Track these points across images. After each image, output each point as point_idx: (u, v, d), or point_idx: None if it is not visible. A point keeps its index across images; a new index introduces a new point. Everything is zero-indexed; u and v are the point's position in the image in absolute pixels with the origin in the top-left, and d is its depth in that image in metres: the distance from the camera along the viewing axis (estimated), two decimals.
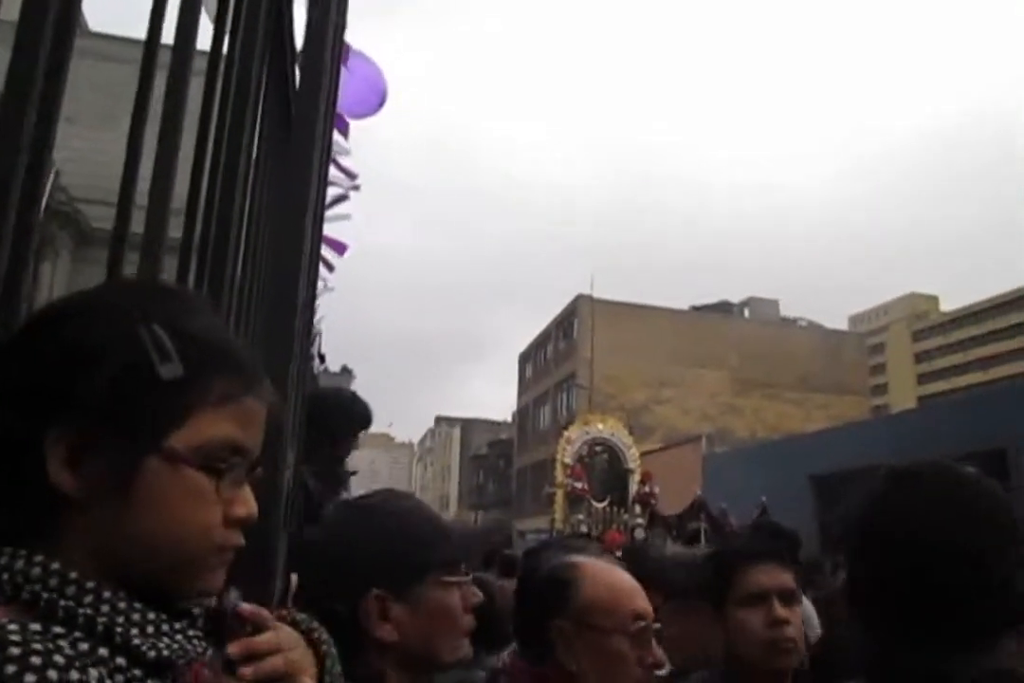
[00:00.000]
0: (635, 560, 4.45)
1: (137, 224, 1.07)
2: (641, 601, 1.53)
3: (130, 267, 1.04)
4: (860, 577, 1.13)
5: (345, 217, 6.34)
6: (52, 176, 15.22)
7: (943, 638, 1.01)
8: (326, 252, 6.46)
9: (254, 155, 1.50)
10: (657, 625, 1.53)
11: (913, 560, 1.04)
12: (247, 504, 0.73)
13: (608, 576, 1.55)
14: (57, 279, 18.12)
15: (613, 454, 18.91)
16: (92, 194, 16.65)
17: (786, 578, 1.86)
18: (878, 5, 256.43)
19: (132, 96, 1.07)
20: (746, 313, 47.32)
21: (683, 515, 12.32)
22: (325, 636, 0.90)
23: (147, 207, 0.99)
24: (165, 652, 0.66)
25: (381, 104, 4.06)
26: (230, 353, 0.74)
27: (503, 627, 2.11)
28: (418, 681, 1.31)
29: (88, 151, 15.94)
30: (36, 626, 0.61)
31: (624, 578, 1.58)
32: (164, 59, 1.19)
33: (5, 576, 0.64)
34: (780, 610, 1.79)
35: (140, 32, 1.17)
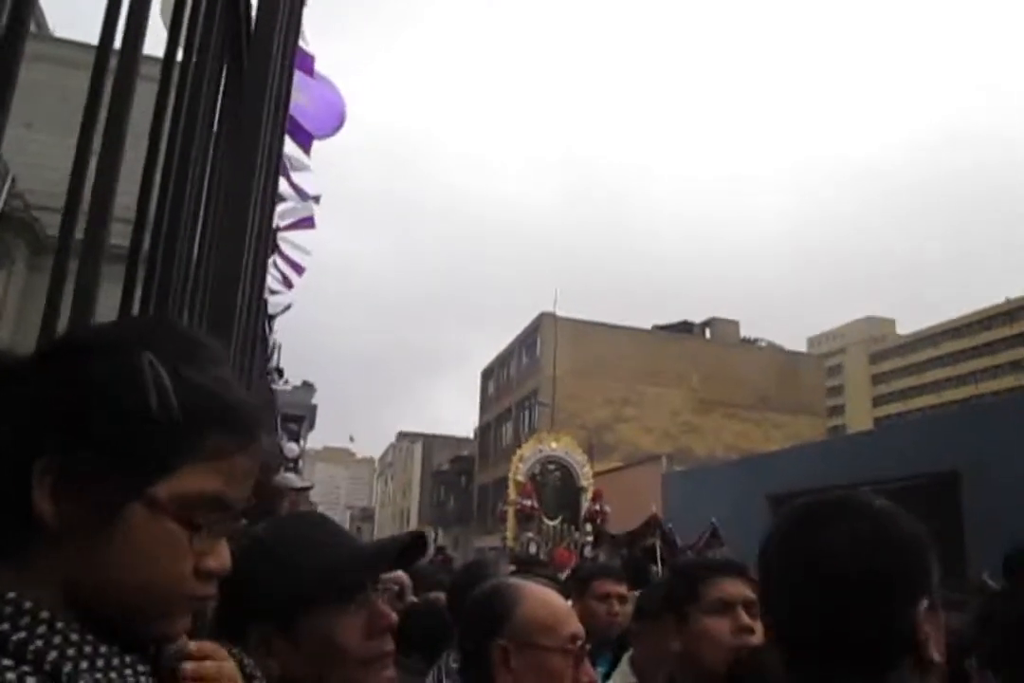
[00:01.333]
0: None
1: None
2: (576, 622, 1.58)
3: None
4: (768, 609, 1.12)
5: (306, 252, 6.38)
6: (8, 182, 14.91)
7: (840, 668, 1.00)
8: (286, 270, 6.47)
9: (209, 160, 1.49)
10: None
11: (813, 591, 1.03)
12: (220, 557, 0.73)
13: (546, 597, 1.60)
14: (12, 287, 17.76)
15: (566, 472, 18.94)
16: (50, 201, 16.37)
17: (749, 591, 1.92)
18: (850, 28, 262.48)
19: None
20: (707, 333, 47.75)
21: (636, 532, 12.38)
22: None
23: (89, 209, 0.97)
24: None
25: (340, 126, 4.20)
26: (232, 408, 0.73)
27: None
28: None
29: (47, 157, 15.68)
30: None
31: (560, 599, 1.64)
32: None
33: None
34: (746, 618, 1.85)
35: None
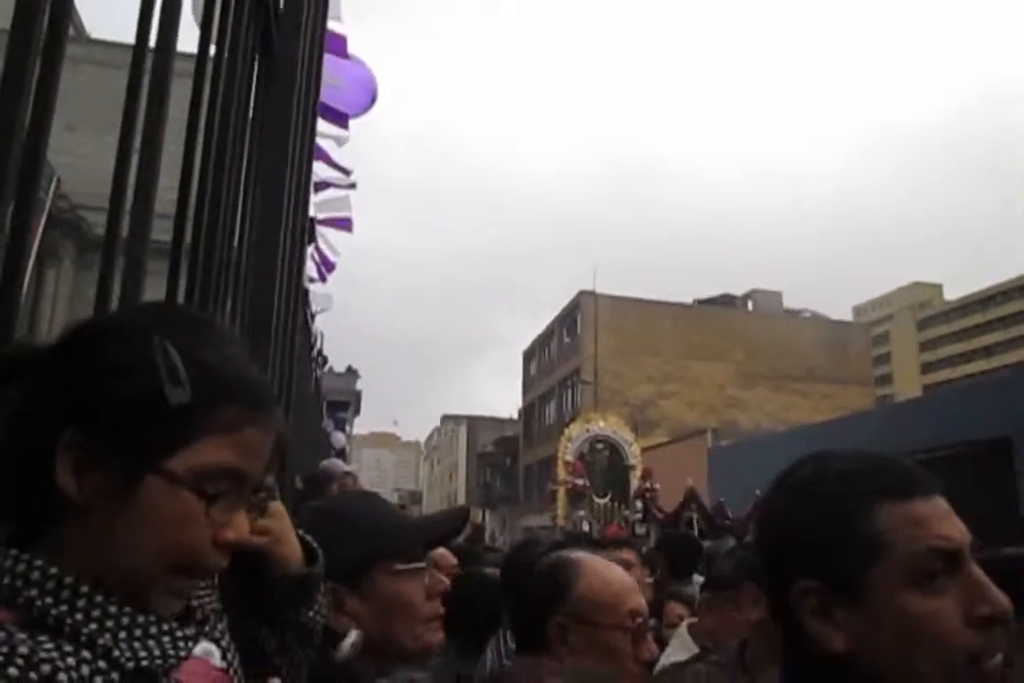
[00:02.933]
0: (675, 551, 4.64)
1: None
2: (637, 598, 1.56)
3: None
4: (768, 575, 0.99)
5: (336, 252, 6.48)
6: (54, 183, 15.21)
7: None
8: (320, 266, 6.56)
9: (246, 152, 1.52)
10: (652, 621, 1.57)
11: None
12: (237, 529, 0.76)
13: (607, 573, 1.57)
14: (61, 286, 18.17)
15: (614, 451, 19.02)
16: (94, 201, 16.66)
17: None
18: None
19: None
20: (749, 306, 47.18)
21: (677, 509, 12.41)
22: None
23: (130, 209, 1.01)
24: (144, 662, 0.70)
25: (372, 102, 4.23)
26: (242, 384, 0.77)
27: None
28: (384, 670, 1.32)
29: (90, 157, 15.95)
30: (22, 635, 0.64)
31: (621, 575, 1.60)
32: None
33: (5, 580, 0.67)
34: None
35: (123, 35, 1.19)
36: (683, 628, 2.85)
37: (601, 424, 19.30)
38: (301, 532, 1.02)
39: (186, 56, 1.34)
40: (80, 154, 15.56)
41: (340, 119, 4.12)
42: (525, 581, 1.66)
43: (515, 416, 55.90)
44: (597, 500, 16.66)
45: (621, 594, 1.53)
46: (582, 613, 1.49)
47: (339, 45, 3.42)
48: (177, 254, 1.15)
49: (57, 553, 0.70)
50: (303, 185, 1.69)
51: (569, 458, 17.95)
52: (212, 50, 1.39)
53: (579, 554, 1.67)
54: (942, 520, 0.89)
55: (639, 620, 1.51)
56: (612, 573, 1.58)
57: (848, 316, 76.59)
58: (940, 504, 0.91)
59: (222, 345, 0.78)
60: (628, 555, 3.48)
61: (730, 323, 42.24)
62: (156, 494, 0.71)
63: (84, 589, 0.69)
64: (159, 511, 0.71)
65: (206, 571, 0.76)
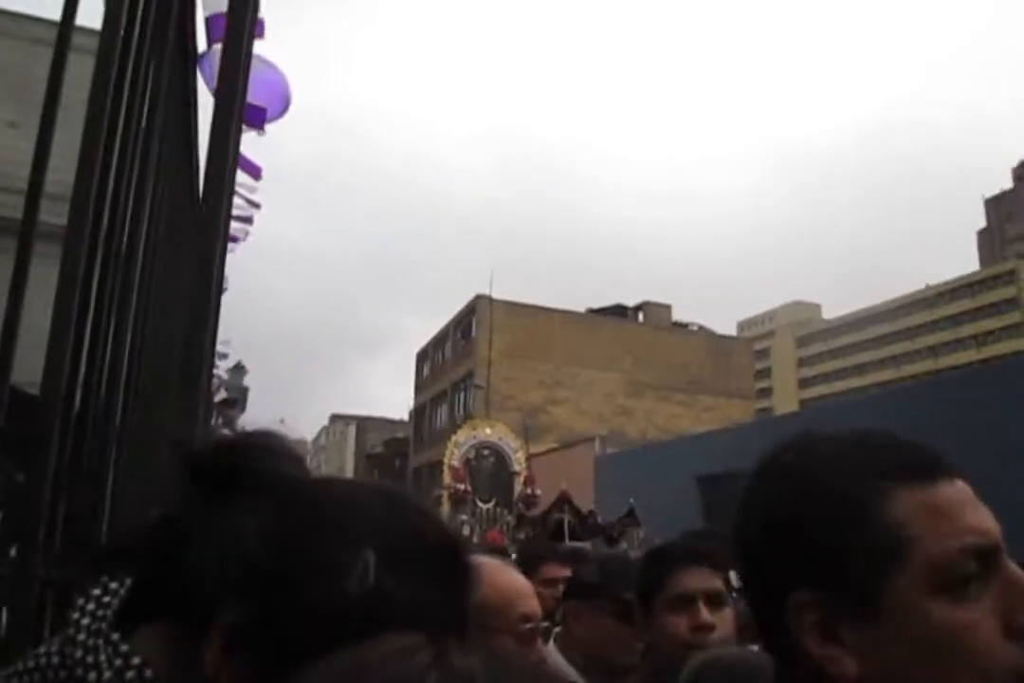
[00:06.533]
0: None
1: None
2: (529, 602, 1.54)
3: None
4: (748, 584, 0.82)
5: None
6: None
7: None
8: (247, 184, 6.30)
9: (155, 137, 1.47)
10: (545, 624, 1.56)
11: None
12: None
13: (498, 576, 1.55)
14: None
15: (500, 458, 19.33)
16: None
17: (714, 581, 1.82)
18: (791, 11, 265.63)
19: (15, 76, 1.05)
20: (640, 317, 48.39)
21: (548, 511, 12.62)
22: None
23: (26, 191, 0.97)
24: None
25: (286, 109, 4.16)
26: None
27: None
28: None
29: None
30: None
31: (514, 579, 1.59)
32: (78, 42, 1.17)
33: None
34: (705, 615, 1.75)
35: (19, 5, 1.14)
36: (551, 643, 2.85)
37: (488, 431, 19.60)
38: None
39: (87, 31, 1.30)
40: None
41: (255, 118, 4.01)
42: None
43: (406, 417, 55.54)
44: (481, 505, 16.85)
45: (511, 598, 1.51)
46: (474, 620, 1.49)
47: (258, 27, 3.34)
48: (75, 239, 1.09)
49: None
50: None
51: (455, 463, 18.11)
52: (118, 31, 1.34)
53: (477, 559, 1.66)
54: (974, 509, 0.71)
55: (529, 625, 1.50)
56: (503, 577, 1.55)
57: (733, 331, 79.54)
58: (966, 489, 0.72)
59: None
60: (567, 572, 3.34)
61: (621, 333, 43.20)
62: None
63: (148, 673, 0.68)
64: None
65: None
